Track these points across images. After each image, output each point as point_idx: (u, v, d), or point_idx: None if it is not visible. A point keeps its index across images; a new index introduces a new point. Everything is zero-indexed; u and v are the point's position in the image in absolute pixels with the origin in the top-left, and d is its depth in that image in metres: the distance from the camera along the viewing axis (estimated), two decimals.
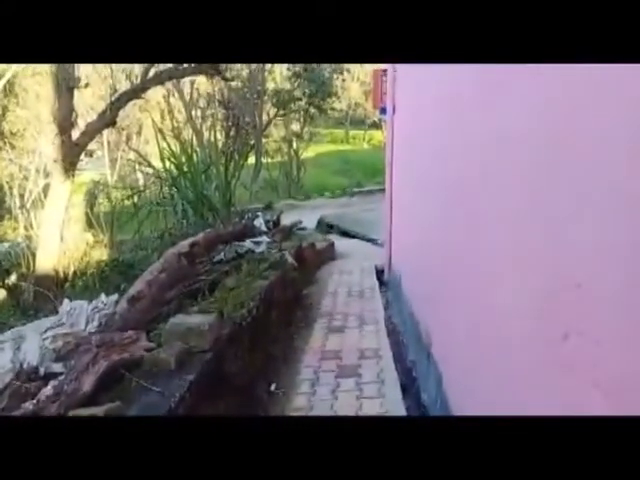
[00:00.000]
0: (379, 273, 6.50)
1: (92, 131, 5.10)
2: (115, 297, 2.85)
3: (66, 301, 2.65)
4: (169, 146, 6.98)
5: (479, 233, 2.13)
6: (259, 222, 5.19)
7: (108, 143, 22.25)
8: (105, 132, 21.62)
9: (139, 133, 21.61)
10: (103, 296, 2.94)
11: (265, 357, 3.25)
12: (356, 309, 4.70)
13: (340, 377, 3.16)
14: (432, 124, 3.28)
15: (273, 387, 3.10)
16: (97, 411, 1.78)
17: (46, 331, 2.36)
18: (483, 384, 2.07)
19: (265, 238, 4.53)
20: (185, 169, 6.76)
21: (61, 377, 2.00)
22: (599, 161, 1.02)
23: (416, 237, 4.21)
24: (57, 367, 2.15)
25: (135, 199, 7.69)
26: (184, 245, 3.34)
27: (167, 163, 6.99)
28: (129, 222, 7.57)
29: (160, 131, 7.92)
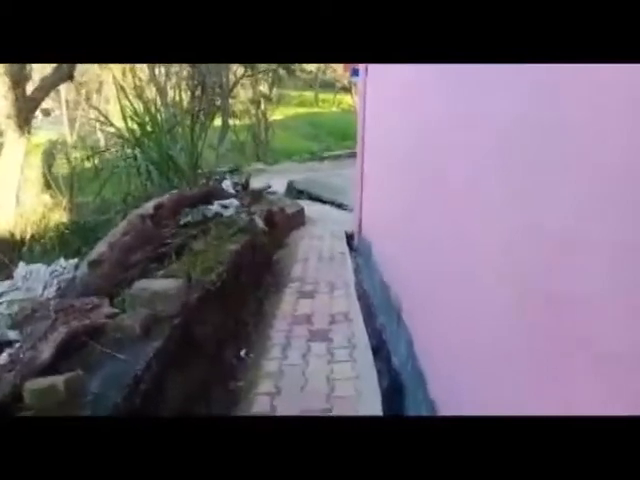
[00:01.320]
0: (349, 238, 6.47)
1: (48, 85, 4.76)
2: (75, 261, 2.70)
3: (21, 264, 2.49)
4: (131, 104, 6.64)
5: (450, 201, 2.12)
6: (227, 185, 5.00)
7: (66, 101, 21.22)
8: (63, 90, 20.67)
9: (99, 91, 20.69)
10: (62, 260, 2.79)
11: (235, 322, 3.18)
12: (327, 274, 4.66)
13: (311, 341, 3.13)
14: (406, 86, 3.17)
15: (243, 353, 3.05)
16: (56, 380, 1.67)
17: (0, 296, 2.21)
18: (452, 346, 2.08)
19: (234, 201, 4.39)
20: (149, 129, 6.46)
21: (17, 345, 1.88)
22: (574, 145, 1.06)
23: (387, 203, 4.18)
24: (12, 335, 2.02)
25: (96, 160, 7.36)
26: (148, 207, 3.18)
27: (129, 122, 6.67)
28: (90, 184, 7.26)
29: (122, 89, 7.54)
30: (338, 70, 26.86)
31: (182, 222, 3.70)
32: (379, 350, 3.19)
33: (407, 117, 3.15)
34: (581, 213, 1.04)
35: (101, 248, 2.67)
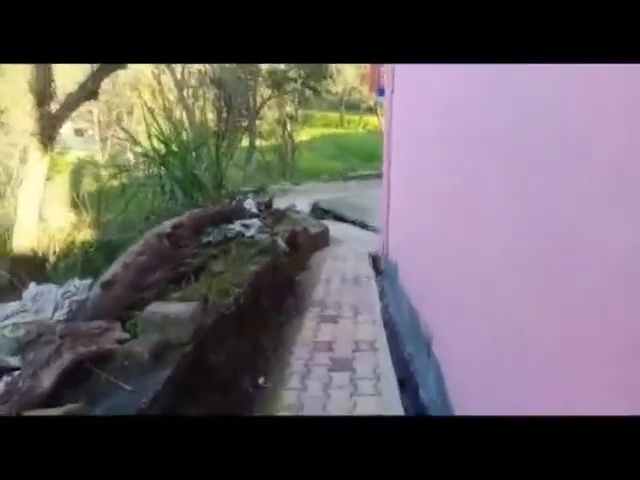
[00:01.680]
0: (374, 260, 6.28)
1: (72, 103, 4.77)
2: (89, 281, 2.59)
3: (32, 285, 2.38)
4: (157, 123, 6.67)
5: (479, 226, 2.04)
6: (249, 204, 4.90)
7: (99, 122, 21.79)
8: (96, 111, 21.26)
9: (130, 113, 21.27)
10: (76, 280, 2.68)
11: (252, 348, 3.02)
12: (350, 298, 4.48)
13: (333, 371, 2.94)
14: (433, 106, 3.08)
15: (261, 381, 2.87)
16: (54, 413, 1.53)
17: (7, 318, 2.11)
18: (487, 386, 1.89)
19: (256, 221, 4.27)
20: (174, 148, 6.46)
21: (17, 373, 1.75)
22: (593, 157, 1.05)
23: (414, 225, 4.01)
24: (14, 361, 1.90)
25: (123, 178, 7.39)
26: (166, 226, 3.07)
27: (155, 141, 6.70)
28: (116, 202, 7.29)
29: (149, 109, 7.58)
30: (364, 91, 27.04)
31: (203, 241, 3.58)
32: (405, 383, 2.98)
33: (434, 136, 3.06)
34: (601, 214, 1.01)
35: (115, 268, 2.56)
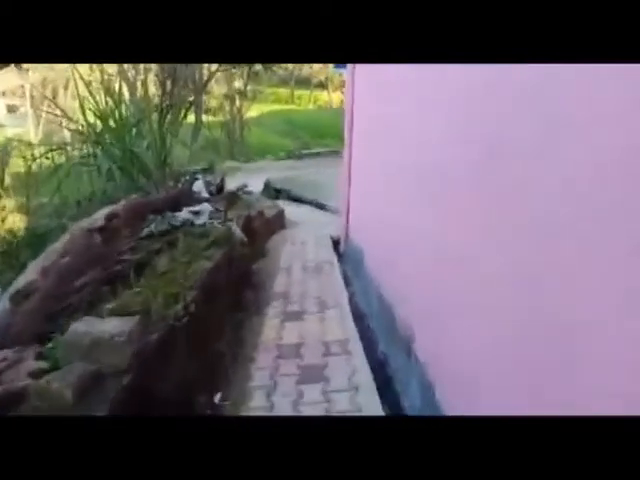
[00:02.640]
0: (335, 244, 5.91)
1: None
2: None
3: None
4: (92, 96, 5.93)
5: (451, 207, 1.94)
6: (199, 186, 4.33)
7: (32, 97, 20.13)
8: (28, 86, 19.63)
9: (66, 87, 19.84)
10: None
11: (206, 360, 2.57)
12: (314, 289, 4.08)
13: (302, 383, 2.53)
14: (401, 78, 2.82)
15: (217, 398, 2.44)
16: None
17: None
18: (482, 391, 1.67)
19: (207, 206, 3.75)
20: (111, 123, 5.77)
21: None
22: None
23: (379, 206, 3.71)
24: None
25: (55, 159, 6.61)
26: (97, 218, 2.54)
27: (90, 116, 5.98)
28: (46, 185, 6.51)
29: (83, 81, 6.74)
30: (314, 65, 26.42)
31: (143, 233, 3.06)
32: (384, 390, 2.62)
33: (402, 110, 2.85)
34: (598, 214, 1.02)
35: (30, 275, 2.04)
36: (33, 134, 17.70)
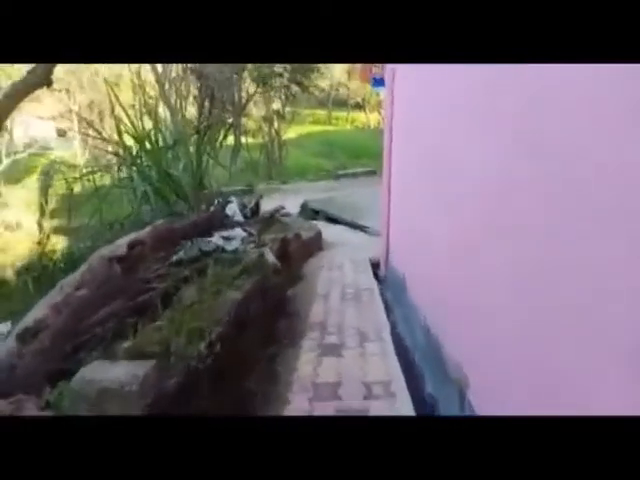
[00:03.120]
0: (374, 267, 5.62)
1: (18, 93, 4.04)
2: (8, 326, 1.88)
3: None
4: (129, 118, 5.91)
5: (495, 227, 1.81)
6: (232, 210, 4.14)
7: (79, 121, 20.80)
8: (75, 109, 20.35)
9: (113, 111, 20.33)
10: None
11: (234, 400, 2.33)
12: (354, 318, 3.79)
13: None
14: (439, 97, 2.76)
15: None
16: None
17: None
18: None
19: (239, 231, 3.54)
20: (147, 145, 5.72)
21: None
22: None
23: (421, 228, 3.40)
24: None
25: (96, 181, 6.63)
26: (119, 245, 2.35)
27: (128, 139, 5.96)
28: (85, 206, 6.52)
29: (120, 104, 6.75)
30: (351, 86, 26.50)
31: (173, 259, 2.87)
32: None
33: (441, 128, 2.73)
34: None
35: (40, 311, 1.85)
36: (80, 157, 18.25)
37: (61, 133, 23.91)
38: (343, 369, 2.87)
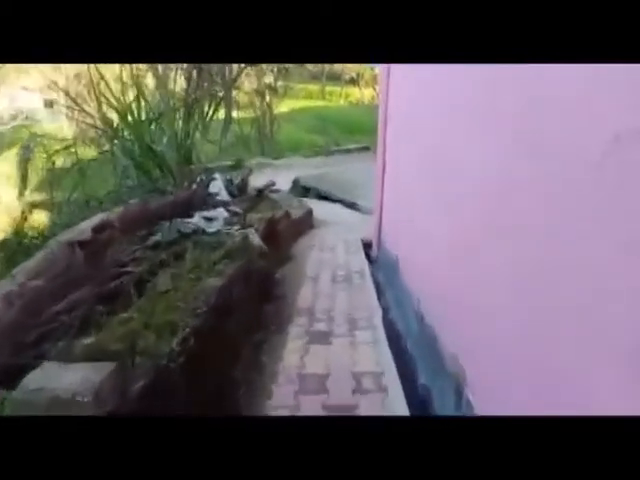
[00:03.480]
0: (366, 247, 5.43)
1: None
2: None
3: None
4: (109, 89, 5.60)
5: (498, 211, 1.72)
6: (217, 186, 3.89)
7: (66, 93, 20.18)
8: (63, 80, 19.72)
9: (108, 86, 19.75)
10: None
11: (214, 394, 2.14)
12: (344, 302, 3.61)
13: None
14: (438, 75, 2.62)
15: None
16: None
17: None
18: None
19: (221, 211, 3.31)
20: (129, 119, 5.43)
21: None
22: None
23: (416, 208, 3.22)
24: None
25: (76, 155, 6.34)
26: (83, 229, 2.12)
27: (110, 111, 5.66)
28: (64, 182, 6.25)
29: (99, 74, 6.37)
30: None
31: (149, 242, 2.65)
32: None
33: (441, 108, 2.64)
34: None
35: None
36: (67, 130, 17.75)
37: (48, 105, 23.24)
38: (332, 359, 2.69)
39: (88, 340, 1.63)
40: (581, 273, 1.14)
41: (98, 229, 2.16)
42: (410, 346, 3.10)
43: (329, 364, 2.63)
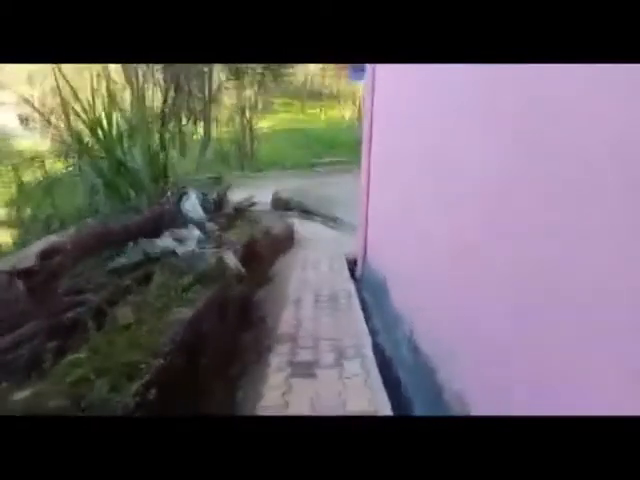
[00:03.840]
0: (350, 265, 5.18)
1: None
2: None
3: None
4: (79, 101, 5.29)
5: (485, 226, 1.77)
6: (190, 204, 3.60)
7: (40, 108, 19.75)
8: (38, 97, 19.30)
9: (77, 98, 19.38)
10: None
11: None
12: (330, 329, 3.33)
13: None
14: (423, 86, 2.65)
15: None
16: None
17: None
18: None
19: (194, 232, 3.03)
20: (100, 133, 5.12)
21: None
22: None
23: (407, 224, 3.13)
24: None
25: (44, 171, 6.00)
26: (25, 256, 1.81)
27: (78, 125, 5.35)
28: (32, 200, 5.89)
29: (66, 81, 6.05)
30: (326, 77, 26.03)
31: (110, 266, 2.36)
32: None
33: (422, 121, 2.69)
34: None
35: None
36: (41, 146, 17.26)
37: (22, 120, 22.71)
38: (317, 397, 2.40)
39: (21, 395, 1.33)
40: (581, 273, 1.14)
41: (46, 254, 1.86)
42: (402, 376, 2.84)
43: (314, 404, 2.34)
